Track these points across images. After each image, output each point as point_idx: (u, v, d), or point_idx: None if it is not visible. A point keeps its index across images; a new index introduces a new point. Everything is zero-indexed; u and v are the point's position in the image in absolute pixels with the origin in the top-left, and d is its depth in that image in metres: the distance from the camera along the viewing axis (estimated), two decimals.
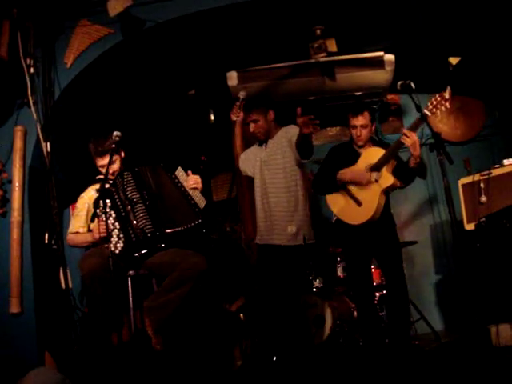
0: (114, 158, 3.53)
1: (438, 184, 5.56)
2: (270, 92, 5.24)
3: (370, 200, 3.75)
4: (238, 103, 4.04)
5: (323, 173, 4.03)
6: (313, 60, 4.74)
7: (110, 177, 3.57)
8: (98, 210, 3.25)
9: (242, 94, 4.01)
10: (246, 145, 4.31)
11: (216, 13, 4.13)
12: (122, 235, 3.41)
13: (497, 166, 4.18)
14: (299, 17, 4.35)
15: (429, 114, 3.40)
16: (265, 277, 3.99)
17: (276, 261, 3.91)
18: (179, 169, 3.70)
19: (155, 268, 3.49)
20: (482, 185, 4.16)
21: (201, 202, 3.59)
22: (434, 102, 3.38)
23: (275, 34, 4.56)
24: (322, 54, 4.56)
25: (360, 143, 3.89)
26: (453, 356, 3.70)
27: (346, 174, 3.86)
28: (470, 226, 4.16)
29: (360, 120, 3.84)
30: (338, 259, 4.98)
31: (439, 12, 4.40)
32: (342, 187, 3.90)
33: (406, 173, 3.75)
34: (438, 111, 3.40)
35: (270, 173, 4.00)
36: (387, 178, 3.71)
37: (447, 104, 3.36)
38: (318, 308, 4.45)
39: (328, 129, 6.19)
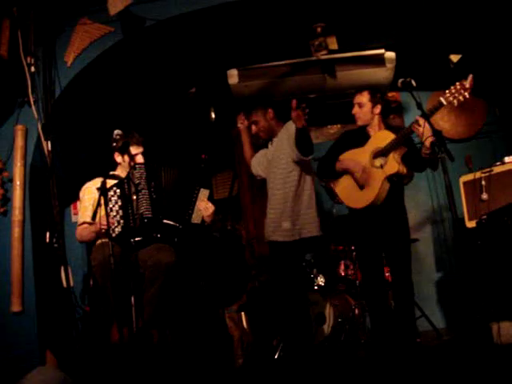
0: (136, 158, 3.74)
1: (439, 181, 5.56)
2: (270, 90, 5.24)
3: (372, 185, 3.67)
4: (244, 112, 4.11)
5: (327, 157, 3.97)
6: (313, 58, 4.74)
7: (120, 174, 3.70)
8: (98, 209, 3.29)
9: None
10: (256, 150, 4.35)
11: (216, 11, 4.13)
12: (122, 221, 3.50)
13: (498, 163, 4.17)
14: (300, 14, 4.34)
15: (445, 102, 3.32)
16: (273, 274, 4.00)
17: (277, 257, 3.91)
18: (207, 191, 3.87)
19: (141, 265, 3.56)
20: (483, 182, 4.15)
21: (195, 218, 3.78)
22: (453, 90, 3.28)
23: (276, 31, 4.56)
24: (323, 52, 4.56)
25: (359, 123, 3.82)
26: (454, 353, 3.70)
27: (344, 161, 3.82)
28: (471, 224, 4.16)
29: (357, 98, 3.81)
30: (340, 257, 4.98)
31: (440, 9, 4.39)
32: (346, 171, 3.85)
33: (416, 161, 3.66)
34: (456, 101, 3.28)
35: (273, 171, 3.99)
36: (392, 165, 3.60)
37: (466, 94, 3.25)
38: (320, 306, 4.45)
39: (329, 127, 6.18)
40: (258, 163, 4.22)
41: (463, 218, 4.21)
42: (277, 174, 3.94)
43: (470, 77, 3.29)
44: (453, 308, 5.37)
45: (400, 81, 3.33)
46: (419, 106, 3.26)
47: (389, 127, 3.88)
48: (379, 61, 5.02)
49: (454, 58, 5.10)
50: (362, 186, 3.74)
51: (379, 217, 3.71)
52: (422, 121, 3.35)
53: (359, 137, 3.86)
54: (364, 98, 3.80)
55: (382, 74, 5.13)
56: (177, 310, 3.83)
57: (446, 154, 3.19)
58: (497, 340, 3.71)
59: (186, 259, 3.72)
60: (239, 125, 4.19)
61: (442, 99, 3.33)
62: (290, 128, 3.94)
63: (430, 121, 3.32)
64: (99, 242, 3.54)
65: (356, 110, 3.82)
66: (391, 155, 3.62)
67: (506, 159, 4.14)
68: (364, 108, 3.80)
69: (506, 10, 4.31)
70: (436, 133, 3.29)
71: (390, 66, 5.02)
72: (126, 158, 3.72)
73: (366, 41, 4.97)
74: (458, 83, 3.30)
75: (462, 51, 5.07)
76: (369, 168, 3.72)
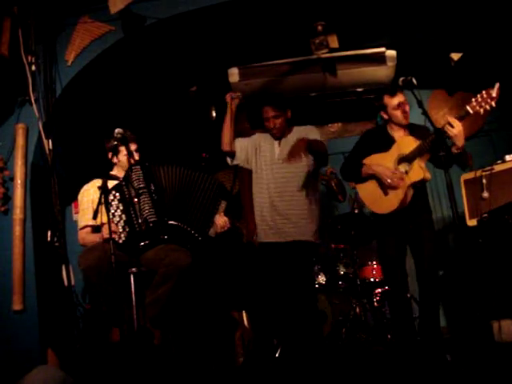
0: (123, 153, 3.66)
1: (440, 180, 5.55)
2: (271, 88, 5.23)
3: (397, 191, 3.62)
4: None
5: (352, 159, 3.90)
6: (314, 56, 4.73)
7: (118, 174, 3.67)
8: (99, 208, 3.27)
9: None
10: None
11: (217, 9, 4.13)
12: (126, 226, 3.47)
13: (499, 161, 4.18)
14: (301, 13, 4.34)
15: (471, 111, 3.27)
16: (273, 275, 3.95)
17: (288, 258, 3.88)
18: (224, 202, 3.86)
19: (148, 264, 3.52)
20: (484, 180, 4.15)
21: (212, 231, 3.78)
22: (480, 99, 3.24)
23: (276, 30, 4.56)
24: (324, 50, 4.55)
25: (407, 121, 3.73)
26: (455, 352, 3.70)
27: (372, 167, 3.74)
28: (472, 222, 4.16)
29: (401, 96, 3.72)
30: (341, 255, 4.98)
31: (441, 8, 4.39)
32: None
33: (445, 160, 3.47)
34: (482, 110, 3.25)
35: (284, 172, 3.93)
36: (417, 172, 3.56)
37: (493, 103, 3.22)
38: (321, 304, 4.46)
39: (329, 125, 6.18)
40: (247, 146, 4.11)
41: (464, 217, 4.21)
42: (291, 178, 3.92)
43: (497, 85, 3.23)
44: (453, 306, 5.36)
45: (401, 79, 3.32)
46: (420, 104, 3.25)
47: (409, 126, 3.81)
48: (380, 59, 5.02)
49: (455, 56, 5.09)
50: (386, 192, 3.70)
51: (405, 218, 3.67)
52: (454, 121, 3.30)
53: (382, 139, 3.81)
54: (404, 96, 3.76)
55: (383, 73, 5.13)
56: (179, 311, 3.82)
57: (446, 152, 3.19)
58: (498, 338, 3.72)
59: (195, 263, 3.68)
60: (235, 96, 4.04)
61: (468, 108, 3.28)
62: (301, 134, 3.93)
63: (431, 119, 3.32)
64: (91, 245, 3.50)
65: (406, 107, 3.74)
66: (416, 162, 3.57)
67: (507, 157, 4.14)
68: (409, 105, 3.77)
69: (506, 9, 4.31)
70: (437, 131, 3.29)
71: (390, 64, 5.02)
72: (121, 156, 3.67)
73: (366, 39, 4.97)
74: (484, 91, 3.26)
75: (462, 49, 5.07)
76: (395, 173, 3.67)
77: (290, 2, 4.19)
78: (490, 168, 4.15)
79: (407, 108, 3.74)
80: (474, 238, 4.07)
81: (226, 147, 4.08)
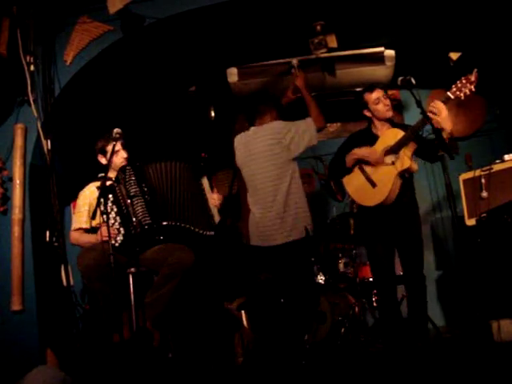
0: (119, 154, 3.63)
1: (439, 179, 5.56)
2: (270, 88, 5.23)
3: (385, 182, 3.65)
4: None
5: (338, 157, 3.93)
6: (313, 56, 4.73)
7: (111, 175, 3.61)
8: (98, 208, 3.27)
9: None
10: None
11: (216, 9, 4.13)
12: (122, 229, 3.47)
13: (498, 161, 4.17)
14: (299, 12, 4.34)
15: (452, 96, 3.35)
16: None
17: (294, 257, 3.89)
18: (205, 178, 3.83)
19: (149, 264, 3.52)
20: (483, 180, 4.15)
21: (216, 216, 3.77)
22: (459, 85, 3.33)
23: (275, 29, 4.55)
24: (323, 50, 4.55)
25: (390, 114, 3.77)
26: (454, 352, 3.71)
27: (353, 152, 3.78)
28: (471, 222, 4.16)
29: (379, 91, 3.77)
30: (340, 255, 4.98)
31: (440, 7, 4.39)
32: (357, 168, 3.81)
33: (431, 152, 3.61)
34: (462, 94, 3.33)
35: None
36: (404, 161, 3.60)
37: (472, 87, 3.31)
38: (320, 304, 4.45)
39: (328, 125, 6.17)
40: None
41: (463, 216, 4.21)
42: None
43: (475, 71, 3.33)
44: (452, 306, 5.38)
45: (400, 79, 3.32)
46: (419, 103, 3.25)
47: (392, 122, 3.86)
48: (379, 59, 5.03)
49: (454, 55, 5.09)
50: (374, 184, 3.72)
51: (392, 212, 3.70)
52: (439, 105, 3.34)
53: (367, 137, 3.84)
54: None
55: (382, 72, 5.14)
56: (179, 310, 3.82)
57: (445, 152, 3.19)
58: (497, 338, 3.71)
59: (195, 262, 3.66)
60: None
61: (449, 93, 3.36)
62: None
63: (430, 119, 3.33)
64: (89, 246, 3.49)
65: (386, 101, 3.78)
66: (402, 151, 3.61)
67: (506, 157, 4.14)
68: (388, 99, 3.82)
69: (505, 8, 4.31)
70: (435, 130, 3.29)
71: (389, 64, 5.02)
72: (116, 159, 3.63)
73: (365, 39, 4.97)
74: (463, 77, 3.35)
75: (461, 49, 5.07)
76: (381, 165, 3.70)
77: (290, 1, 4.19)
78: (488, 168, 4.15)
79: (388, 101, 3.78)
80: (472, 238, 4.06)
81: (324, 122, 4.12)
